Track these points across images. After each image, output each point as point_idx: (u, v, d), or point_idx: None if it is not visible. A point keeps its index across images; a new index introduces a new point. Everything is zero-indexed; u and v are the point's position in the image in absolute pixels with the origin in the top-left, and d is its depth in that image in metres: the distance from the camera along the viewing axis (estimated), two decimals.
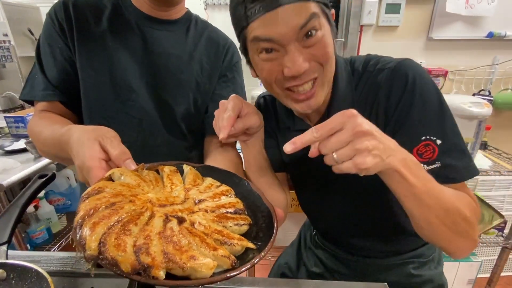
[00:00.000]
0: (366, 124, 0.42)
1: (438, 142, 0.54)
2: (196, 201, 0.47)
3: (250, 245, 0.40)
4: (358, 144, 0.41)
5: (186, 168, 0.55)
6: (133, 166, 0.49)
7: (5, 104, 2.84)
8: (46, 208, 2.00)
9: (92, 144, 0.49)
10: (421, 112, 0.55)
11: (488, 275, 1.76)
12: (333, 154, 0.43)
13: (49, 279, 0.44)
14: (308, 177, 0.78)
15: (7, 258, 0.49)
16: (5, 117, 2.03)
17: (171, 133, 0.79)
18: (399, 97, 0.56)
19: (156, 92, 0.76)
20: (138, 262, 0.32)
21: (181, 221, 0.40)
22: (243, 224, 0.44)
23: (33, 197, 0.61)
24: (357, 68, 0.64)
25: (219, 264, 0.35)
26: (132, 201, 0.41)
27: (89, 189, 0.42)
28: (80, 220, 0.36)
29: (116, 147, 0.49)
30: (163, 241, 0.36)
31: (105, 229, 0.35)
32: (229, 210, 0.46)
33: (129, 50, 0.73)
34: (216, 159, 0.76)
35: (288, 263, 0.96)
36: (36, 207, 1.97)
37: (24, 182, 1.84)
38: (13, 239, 1.67)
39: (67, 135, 0.54)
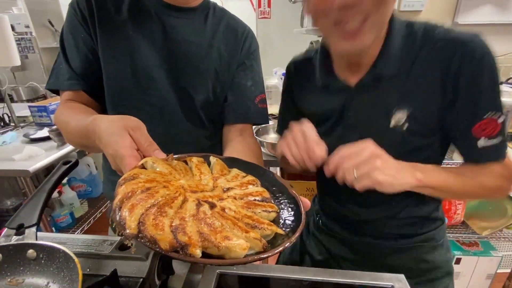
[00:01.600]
0: (379, 150, 0.56)
1: (501, 119, 0.56)
2: (225, 189, 0.49)
3: (280, 230, 0.41)
4: (372, 163, 0.54)
5: (212, 159, 0.58)
6: (162, 155, 0.51)
7: (28, 94, 2.96)
8: (69, 194, 2.09)
9: (123, 133, 0.50)
10: (490, 88, 0.57)
11: (508, 270, 1.71)
12: (354, 172, 0.53)
13: (76, 259, 0.46)
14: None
15: (36, 239, 0.51)
16: (29, 106, 2.11)
17: (191, 122, 0.80)
18: (472, 69, 0.56)
19: (176, 81, 0.77)
20: (176, 240, 0.35)
21: (212, 206, 0.42)
22: (271, 211, 0.45)
23: (58, 182, 0.63)
24: (418, 30, 0.62)
25: (251, 246, 0.37)
26: (165, 186, 0.43)
27: (124, 175, 0.44)
28: (118, 203, 0.39)
29: (145, 138, 0.51)
30: (198, 222, 0.38)
31: (143, 210, 0.37)
32: (257, 198, 0.47)
33: (148, 39, 0.74)
34: (236, 148, 0.77)
35: (292, 254, 0.96)
36: (59, 193, 2.06)
37: (48, 169, 1.92)
38: (40, 222, 1.76)
39: (93, 125, 0.56)
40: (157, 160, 0.49)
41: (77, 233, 2.01)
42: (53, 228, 1.92)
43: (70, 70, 0.74)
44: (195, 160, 0.55)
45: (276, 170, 2.08)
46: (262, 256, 0.36)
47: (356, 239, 0.80)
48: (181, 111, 0.79)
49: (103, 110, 0.79)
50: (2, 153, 1.72)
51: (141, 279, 0.54)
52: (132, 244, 0.38)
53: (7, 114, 2.11)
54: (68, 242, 0.61)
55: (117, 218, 0.37)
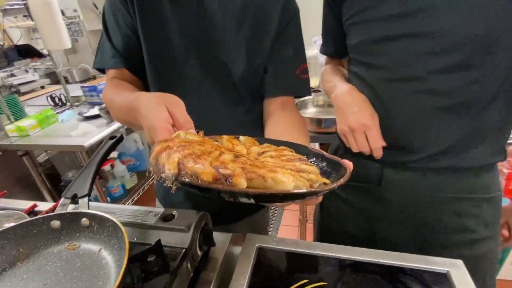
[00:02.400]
0: None
1: None
2: (260, 154, 0.48)
3: (325, 180, 0.39)
4: None
5: (242, 138, 0.58)
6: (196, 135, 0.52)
7: (81, 75, 3.18)
8: (120, 167, 2.26)
9: (160, 107, 0.51)
10: None
11: None
12: None
13: (123, 229, 0.48)
14: None
15: (88, 209, 0.55)
16: (81, 87, 2.27)
17: (229, 96, 0.78)
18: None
19: (213, 53, 0.74)
20: (219, 172, 0.34)
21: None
22: (312, 165, 0.44)
23: (106, 155, 0.67)
24: None
25: (297, 185, 0.34)
26: (201, 144, 0.43)
27: (158, 141, 0.44)
28: (155, 155, 0.39)
29: (182, 115, 0.52)
30: (237, 163, 0.37)
31: (181, 155, 0.37)
32: (294, 158, 0.46)
33: (185, 11, 0.72)
34: (278, 122, 0.74)
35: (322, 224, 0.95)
36: (112, 166, 2.24)
37: (100, 144, 2.07)
38: (96, 193, 1.95)
39: (136, 102, 0.58)
40: (189, 133, 0.50)
41: (128, 203, 2.20)
42: (108, 198, 2.12)
43: (112, 49, 0.76)
44: (225, 136, 0.56)
45: (315, 146, 2.02)
46: (316, 190, 0.34)
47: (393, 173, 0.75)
48: (218, 85, 0.77)
49: (146, 87, 0.81)
50: (61, 130, 1.90)
51: (184, 250, 0.56)
52: (173, 184, 0.37)
53: (63, 95, 2.30)
54: (118, 212, 0.65)
55: (155, 166, 0.38)
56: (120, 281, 0.41)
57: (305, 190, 0.34)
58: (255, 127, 0.82)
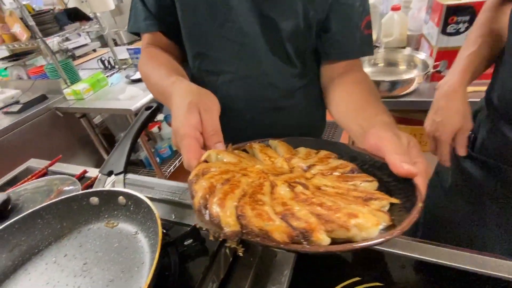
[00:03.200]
0: None
1: None
2: (305, 168, 0.43)
3: (394, 200, 0.34)
4: None
5: (273, 142, 0.51)
6: (222, 148, 0.46)
7: (128, 37, 3.23)
8: (166, 130, 2.33)
9: (192, 110, 0.45)
10: None
11: None
12: None
13: (156, 214, 0.44)
14: None
15: (125, 186, 0.52)
16: (127, 49, 2.29)
17: (276, 58, 0.66)
18: None
19: (257, 7, 0.62)
20: (292, 228, 0.29)
21: (305, 187, 0.36)
22: (372, 180, 0.38)
23: (142, 127, 0.63)
24: None
25: (379, 223, 0.30)
26: (245, 174, 0.38)
27: (193, 172, 0.39)
28: (201, 201, 0.33)
29: (212, 124, 0.46)
30: (303, 204, 0.32)
31: (235, 202, 0.32)
32: (346, 170, 0.40)
33: None
34: (344, 88, 0.62)
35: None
36: (159, 128, 2.32)
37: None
38: (146, 154, 2.05)
39: (170, 90, 0.52)
40: (221, 151, 0.44)
41: (175, 164, 2.30)
42: (157, 159, 2.23)
43: (145, 10, 0.68)
44: (256, 146, 0.49)
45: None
46: (401, 229, 0.29)
47: None
48: (264, 45, 0.65)
49: (183, 53, 0.73)
50: (111, 93, 1.97)
51: None
52: (238, 244, 0.33)
53: (111, 58, 2.35)
54: (156, 187, 0.63)
55: (207, 217, 0.31)
56: (153, 272, 0.37)
57: (393, 235, 0.28)
58: (305, 97, 0.71)
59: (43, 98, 1.95)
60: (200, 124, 0.45)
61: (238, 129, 0.68)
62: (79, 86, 1.93)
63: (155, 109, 0.66)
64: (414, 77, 1.16)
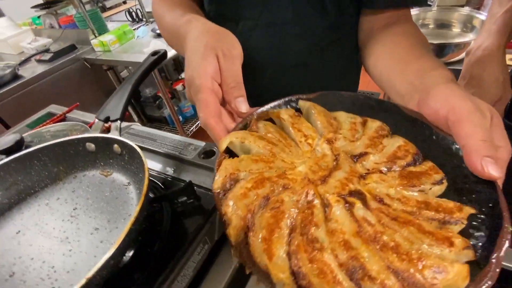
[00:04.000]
0: None
1: None
2: (355, 158, 0.35)
3: (471, 210, 0.28)
4: None
5: (304, 104, 0.40)
6: (244, 107, 0.38)
7: None
8: None
9: (208, 55, 0.38)
10: None
11: None
12: None
13: (145, 165, 0.40)
14: None
15: (120, 134, 0.49)
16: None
17: (308, 4, 0.55)
18: None
19: None
20: None
21: (362, 199, 0.29)
22: (442, 179, 0.31)
23: (146, 73, 0.58)
24: None
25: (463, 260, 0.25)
26: (286, 187, 0.31)
27: (219, 181, 0.32)
28: (239, 233, 0.27)
29: (234, 73, 0.39)
30: (373, 247, 0.25)
31: (284, 245, 0.26)
32: (407, 161, 0.33)
33: None
34: (390, 40, 0.50)
35: None
36: (183, 86, 2.29)
37: (174, 60, 2.09)
38: (169, 111, 2.04)
39: (185, 29, 0.45)
40: (245, 136, 0.35)
41: (198, 123, 2.29)
42: (180, 117, 2.23)
43: None
44: (285, 116, 0.39)
45: None
46: (492, 277, 0.23)
47: None
48: None
49: None
50: (137, 46, 1.94)
51: None
52: None
53: (139, 10, 2.29)
54: (159, 140, 0.59)
55: (251, 262, 0.26)
56: (130, 225, 0.34)
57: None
58: (336, 54, 0.61)
59: (72, 48, 1.96)
60: (219, 73, 0.39)
61: (256, 87, 0.61)
62: (106, 38, 1.91)
63: (162, 55, 0.61)
64: (470, 41, 0.98)
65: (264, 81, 0.63)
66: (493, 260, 0.23)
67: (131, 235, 0.33)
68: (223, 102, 0.40)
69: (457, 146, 0.31)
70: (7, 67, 1.72)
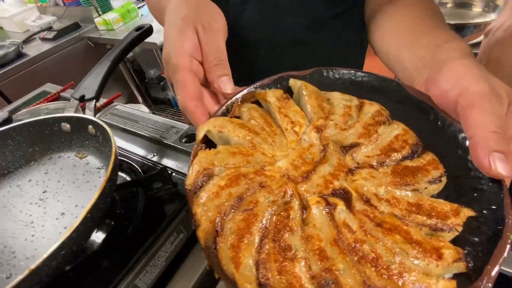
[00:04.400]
0: None
1: None
2: (345, 149, 0.31)
3: (470, 212, 0.25)
4: None
5: (295, 83, 0.36)
6: (229, 87, 0.34)
7: None
8: None
9: (186, 29, 0.34)
10: None
11: None
12: None
13: (113, 147, 0.37)
14: None
15: (95, 115, 0.46)
16: None
17: None
18: None
19: None
20: None
21: (347, 200, 0.27)
22: (441, 176, 0.28)
23: (127, 49, 0.54)
24: None
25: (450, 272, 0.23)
26: (263, 185, 0.28)
27: (191, 176, 0.28)
28: (208, 237, 0.25)
29: (215, 49, 0.34)
30: (350, 259, 0.23)
31: (253, 253, 0.23)
32: (404, 153, 0.30)
33: None
34: (398, 12, 0.44)
35: None
36: None
37: None
38: (170, 94, 2.01)
39: (166, 0, 0.41)
40: (224, 124, 0.32)
41: None
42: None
43: None
44: (272, 99, 0.34)
45: None
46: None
47: None
48: None
49: None
50: None
51: None
52: None
53: None
54: (141, 121, 0.56)
55: (219, 268, 0.23)
56: (88, 209, 0.31)
57: None
58: (337, 31, 0.55)
59: (76, 26, 1.93)
60: (199, 49, 0.35)
61: (248, 66, 0.56)
62: (109, 16, 1.87)
63: (146, 30, 0.56)
64: (491, 21, 0.89)
65: (257, 61, 0.59)
66: (485, 278, 0.20)
67: (87, 224, 0.30)
68: (206, 82, 0.37)
69: (465, 135, 0.27)
70: (12, 45, 1.71)
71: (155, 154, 0.51)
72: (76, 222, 0.29)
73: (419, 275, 0.21)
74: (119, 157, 0.50)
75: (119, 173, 0.48)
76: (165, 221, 0.41)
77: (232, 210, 0.26)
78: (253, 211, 0.25)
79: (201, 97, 0.35)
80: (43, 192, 0.42)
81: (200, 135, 0.32)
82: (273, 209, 0.26)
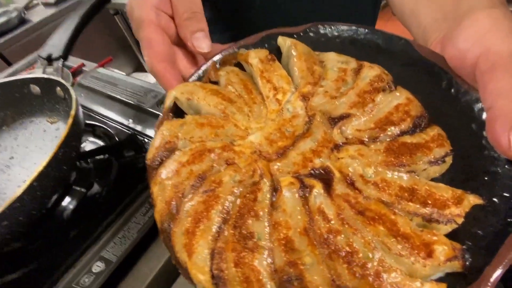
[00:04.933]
0: None
1: None
2: (333, 121, 0.26)
3: (476, 200, 0.20)
4: None
5: (284, 43, 0.30)
6: (205, 45, 0.29)
7: None
8: None
9: None
10: None
11: None
12: None
13: (72, 110, 0.34)
14: None
15: (62, 76, 0.42)
16: None
17: None
18: None
19: None
20: None
21: (327, 181, 0.22)
22: (445, 155, 0.23)
23: (100, 4, 0.49)
24: None
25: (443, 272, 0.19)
26: (229, 162, 0.24)
27: (151, 150, 0.25)
28: (164, 219, 0.22)
29: (187, 0, 0.29)
30: (320, 252, 0.19)
31: (209, 241, 0.20)
32: (403, 127, 0.24)
33: None
34: None
35: None
36: None
37: None
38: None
39: None
40: (194, 90, 0.28)
41: None
42: None
43: None
44: (254, 61, 0.29)
45: None
46: None
47: None
48: None
49: None
50: None
51: None
52: None
53: None
54: (120, 84, 0.52)
55: (174, 254, 0.21)
56: (39, 171, 0.29)
57: None
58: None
59: None
60: (168, 1, 0.30)
61: (241, 21, 0.49)
62: None
63: None
64: None
65: (252, 14, 0.52)
66: (483, 282, 0.16)
67: (34, 193, 0.28)
68: (180, 41, 0.32)
69: (481, 106, 0.22)
70: (15, 10, 1.68)
71: (132, 120, 0.47)
72: (18, 191, 0.26)
73: (401, 276, 0.17)
74: (94, 122, 0.47)
75: (94, 140, 0.46)
76: (136, 190, 0.38)
77: (192, 191, 0.23)
78: (214, 192, 0.22)
79: (173, 59, 0.30)
80: (10, 159, 0.40)
81: (167, 102, 0.27)
82: (239, 190, 0.22)
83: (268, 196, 0.22)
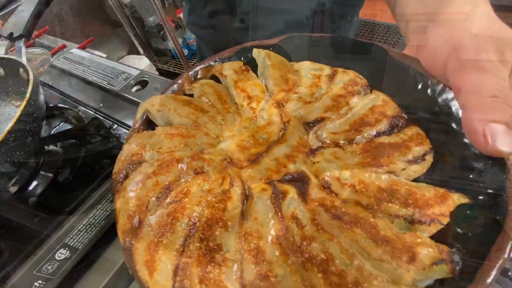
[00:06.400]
0: None
1: None
2: (309, 126, 0.26)
3: (462, 198, 0.19)
4: None
5: (258, 54, 0.31)
6: None
7: None
8: None
9: None
10: None
11: None
12: None
13: (27, 95, 0.32)
14: None
15: (22, 55, 0.40)
16: None
17: None
18: None
19: None
20: None
21: (302, 187, 0.21)
22: (425, 154, 0.22)
23: None
24: None
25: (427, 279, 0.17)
26: (198, 171, 0.23)
27: (118, 163, 0.24)
28: (127, 239, 0.21)
29: None
30: (293, 262, 0.18)
31: (173, 257, 0.19)
32: (379, 127, 0.24)
33: None
34: None
35: None
36: None
37: None
38: (171, 45, 1.89)
39: None
40: (166, 101, 0.27)
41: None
42: (186, 50, 2.09)
43: None
44: (228, 72, 0.29)
45: None
46: None
47: None
48: None
49: None
50: None
51: None
52: None
53: None
54: (92, 66, 0.50)
55: (133, 271, 0.19)
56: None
57: None
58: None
59: None
60: None
61: (224, 17, 0.47)
62: None
63: None
64: None
65: (229, 10, 0.49)
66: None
67: None
68: None
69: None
70: None
71: (104, 104, 0.45)
72: None
73: (382, 283, 0.16)
74: (64, 105, 0.45)
75: (64, 123, 0.44)
76: (101, 176, 0.37)
77: (157, 203, 0.21)
78: (181, 203, 0.21)
79: None
80: None
81: (137, 115, 0.27)
82: (207, 200, 0.21)
83: (239, 204, 0.21)
